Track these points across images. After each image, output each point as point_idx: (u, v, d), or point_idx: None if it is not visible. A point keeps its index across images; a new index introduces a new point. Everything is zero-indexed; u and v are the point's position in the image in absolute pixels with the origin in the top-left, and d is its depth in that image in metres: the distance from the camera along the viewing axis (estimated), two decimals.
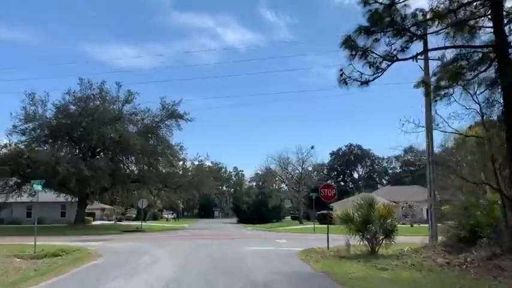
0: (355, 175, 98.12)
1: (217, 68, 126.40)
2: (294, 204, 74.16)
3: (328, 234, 17.91)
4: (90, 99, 35.64)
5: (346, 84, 13.20)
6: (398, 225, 17.90)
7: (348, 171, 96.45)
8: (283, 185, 78.48)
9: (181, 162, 42.91)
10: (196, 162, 43.58)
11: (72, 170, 30.47)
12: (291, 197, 70.50)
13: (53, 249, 18.62)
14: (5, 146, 34.42)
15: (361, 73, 13.13)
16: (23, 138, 35.22)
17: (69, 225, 39.53)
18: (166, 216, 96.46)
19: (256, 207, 69.58)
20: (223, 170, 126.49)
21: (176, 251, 17.44)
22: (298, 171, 58.21)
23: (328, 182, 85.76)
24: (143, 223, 62.18)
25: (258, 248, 18.80)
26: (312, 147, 61.11)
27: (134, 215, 79.95)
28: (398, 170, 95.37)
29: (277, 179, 66.89)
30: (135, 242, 23.13)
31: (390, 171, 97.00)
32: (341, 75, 13.19)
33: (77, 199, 39.88)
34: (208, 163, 44.59)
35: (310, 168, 64.38)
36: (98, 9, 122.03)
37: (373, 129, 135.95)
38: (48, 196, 44.51)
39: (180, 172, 42.89)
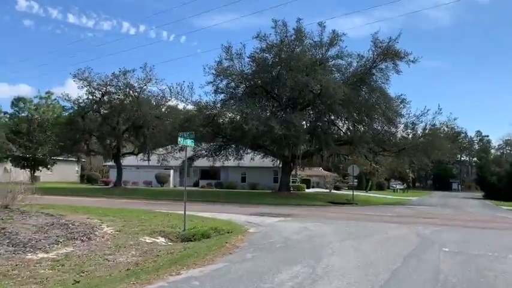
0: None
1: (452, 25, 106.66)
2: None
3: None
4: (286, 45, 29.62)
5: None
6: None
7: None
8: None
9: (403, 119, 33.13)
10: (423, 120, 32.91)
11: (261, 128, 25.39)
12: None
13: (207, 227, 13.64)
14: (206, 106, 32.05)
15: None
16: (221, 96, 32.31)
17: (273, 192, 35.52)
18: (394, 186, 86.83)
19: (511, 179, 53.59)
20: (462, 135, 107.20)
21: (370, 255, 9.21)
22: None
23: None
24: (367, 193, 55.18)
25: None
26: None
27: (356, 184, 73.76)
28: None
29: None
30: (324, 222, 15.90)
31: None
32: None
33: (280, 163, 35.40)
34: (440, 120, 32.90)
35: None
36: None
37: None
38: (261, 161, 42.01)
39: (403, 132, 33.39)
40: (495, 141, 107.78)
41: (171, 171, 47.84)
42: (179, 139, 13.94)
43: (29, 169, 43.88)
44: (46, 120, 41.83)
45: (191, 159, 35.83)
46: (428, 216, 20.13)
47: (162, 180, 46.09)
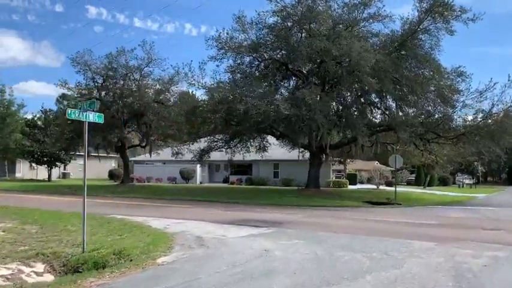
0: None
1: None
2: None
3: None
4: (304, 5, 23.50)
5: None
6: None
7: None
8: None
9: (462, 98, 26.02)
10: (488, 96, 25.60)
11: (263, 107, 19.87)
12: None
13: (110, 250, 9.17)
14: (215, 88, 26.80)
15: None
16: (236, 76, 26.85)
17: (298, 189, 29.86)
18: (460, 181, 76.99)
19: None
20: None
21: None
22: None
23: None
24: (423, 190, 47.44)
25: None
26: None
27: (413, 178, 65.38)
28: None
29: None
30: (314, 239, 10.38)
31: None
32: None
33: (308, 155, 29.58)
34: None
35: None
36: None
37: None
38: (295, 153, 36.35)
39: (461, 111, 26.37)
40: None
41: (198, 166, 43.58)
42: (68, 111, 9.05)
43: (46, 165, 41.50)
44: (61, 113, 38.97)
45: (206, 151, 31.08)
46: (490, 226, 13.67)
47: (186, 176, 41.90)
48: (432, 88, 25.97)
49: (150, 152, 35.31)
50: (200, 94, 29.19)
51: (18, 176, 45.57)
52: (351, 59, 20.68)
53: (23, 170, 46.42)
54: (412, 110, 27.31)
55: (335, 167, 59.95)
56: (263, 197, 24.36)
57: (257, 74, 26.51)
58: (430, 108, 26.73)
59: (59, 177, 50.55)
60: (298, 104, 20.34)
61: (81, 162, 54.31)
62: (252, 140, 31.36)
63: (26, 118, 42.88)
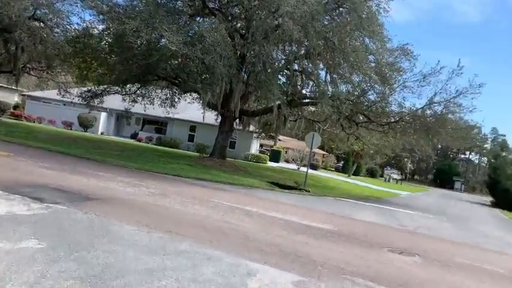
0: None
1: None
2: None
3: None
4: None
5: None
6: None
7: None
8: None
9: (401, 78, 22.23)
10: (432, 81, 22.02)
11: (145, 35, 14.48)
12: None
13: None
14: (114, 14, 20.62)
15: None
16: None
17: (199, 158, 25.12)
18: (387, 174, 76.37)
19: None
20: (475, 130, 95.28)
21: None
22: None
23: None
24: (347, 178, 44.67)
25: None
26: None
27: (340, 165, 63.26)
28: None
29: None
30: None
31: None
32: None
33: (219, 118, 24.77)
34: (459, 87, 21.54)
35: None
36: None
37: None
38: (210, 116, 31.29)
39: (399, 95, 22.59)
40: None
41: (103, 114, 37.46)
42: None
43: None
44: None
45: (96, 94, 25.19)
46: (403, 244, 9.62)
47: (85, 123, 35.68)
48: (372, 63, 21.90)
49: (16, 82, 28.58)
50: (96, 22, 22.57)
51: None
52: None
53: None
54: (345, 86, 23.21)
55: (265, 142, 55.98)
56: (144, 160, 19.22)
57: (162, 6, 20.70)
58: (365, 86, 22.66)
59: None
60: (192, 42, 15.18)
61: None
62: (159, 90, 26.20)
63: None
